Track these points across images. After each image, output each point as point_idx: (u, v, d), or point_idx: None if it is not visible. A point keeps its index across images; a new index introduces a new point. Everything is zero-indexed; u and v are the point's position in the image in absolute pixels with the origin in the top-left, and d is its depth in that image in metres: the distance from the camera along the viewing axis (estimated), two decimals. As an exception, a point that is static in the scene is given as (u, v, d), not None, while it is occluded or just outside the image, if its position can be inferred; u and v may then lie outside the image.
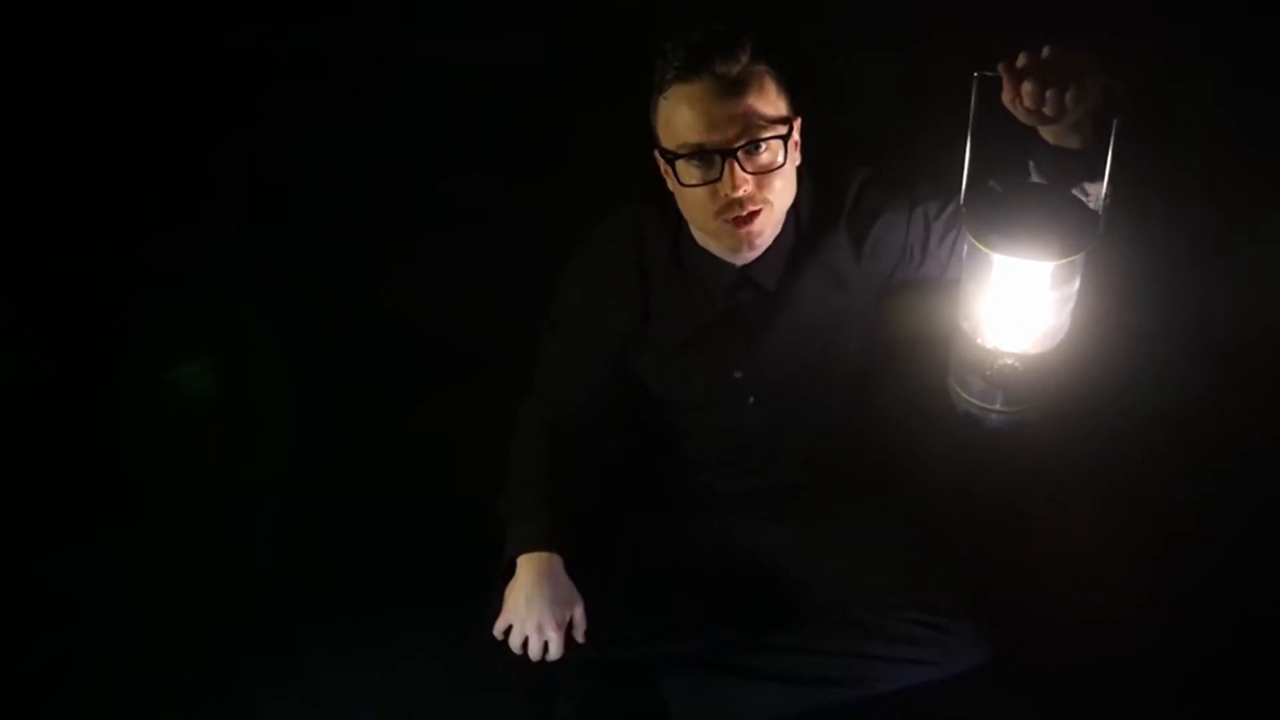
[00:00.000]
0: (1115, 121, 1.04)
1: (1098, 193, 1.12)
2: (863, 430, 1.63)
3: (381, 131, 2.14)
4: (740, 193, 1.34)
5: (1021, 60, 1.04)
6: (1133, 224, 1.15)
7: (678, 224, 1.50)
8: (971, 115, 1.09)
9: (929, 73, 1.76)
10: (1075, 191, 1.16)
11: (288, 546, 1.85)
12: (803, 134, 1.40)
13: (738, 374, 1.55)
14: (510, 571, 1.52)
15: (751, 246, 1.42)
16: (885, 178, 1.50)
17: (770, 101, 1.34)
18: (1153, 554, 1.62)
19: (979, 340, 1.22)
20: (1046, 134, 1.14)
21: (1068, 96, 1.03)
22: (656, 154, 1.42)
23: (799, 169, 1.42)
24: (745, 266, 1.48)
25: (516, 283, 1.68)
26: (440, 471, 1.95)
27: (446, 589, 1.69)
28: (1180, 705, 1.47)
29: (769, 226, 1.41)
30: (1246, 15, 1.63)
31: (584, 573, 1.52)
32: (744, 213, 1.36)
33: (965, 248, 1.17)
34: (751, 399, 1.57)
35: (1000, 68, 1.05)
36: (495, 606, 1.51)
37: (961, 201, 1.15)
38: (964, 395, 1.28)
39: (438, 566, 1.75)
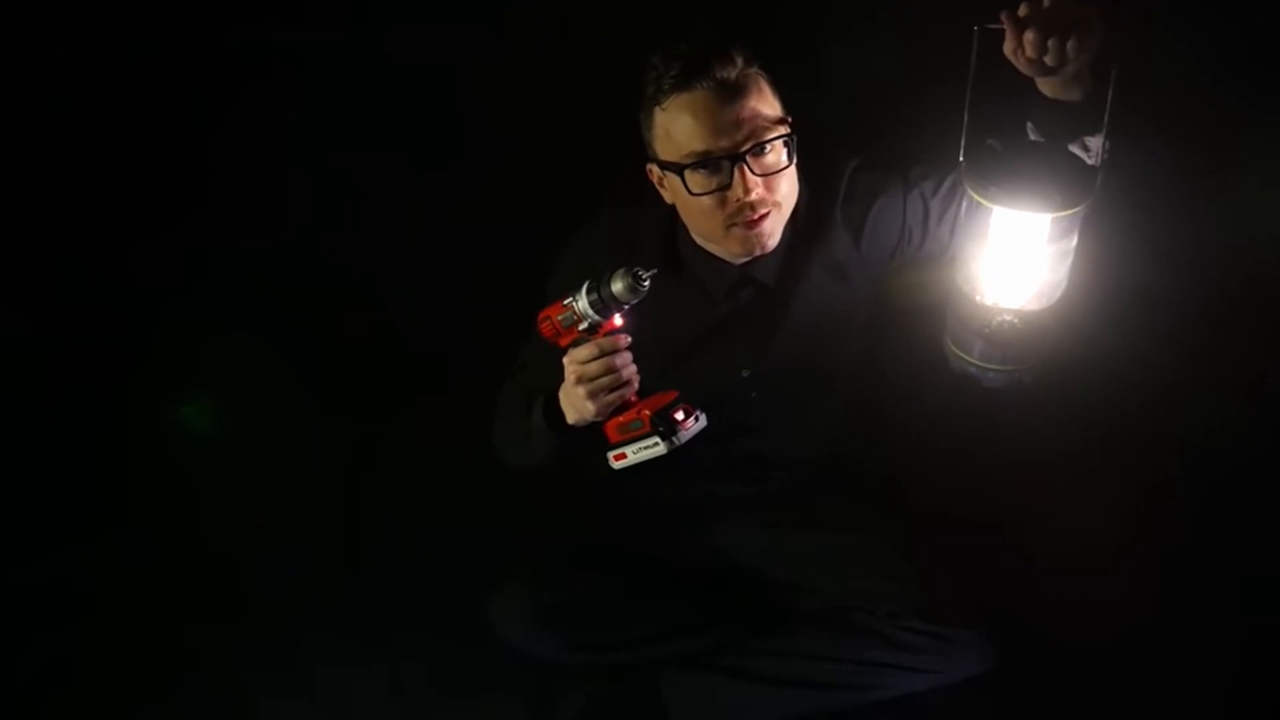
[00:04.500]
0: (1114, 70, 1.06)
1: (1097, 147, 1.14)
2: (861, 422, 1.61)
3: (378, 132, 2.13)
4: (752, 196, 1.34)
5: (1024, 10, 1.06)
6: (1129, 180, 1.16)
7: (672, 225, 1.49)
8: (972, 69, 1.11)
9: (916, 51, 1.76)
10: (1074, 147, 1.17)
11: (286, 546, 1.84)
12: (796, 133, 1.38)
13: (745, 374, 1.53)
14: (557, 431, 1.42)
15: (763, 248, 1.41)
16: (876, 163, 1.50)
17: (769, 103, 1.35)
18: (1157, 560, 1.62)
19: (977, 297, 1.23)
20: (1046, 87, 1.15)
21: (1069, 45, 1.04)
22: (653, 167, 1.41)
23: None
24: (744, 265, 1.47)
25: (514, 285, 1.67)
26: (438, 471, 1.94)
27: (445, 588, 1.68)
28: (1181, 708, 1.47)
29: (778, 227, 1.41)
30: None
31: (585, 576, 1.53)
32: (755, 216, 1.36)
33: (965, 203, 1.18)
34: (754, 394, 1.54)
35: (1003, 17, 1.06)
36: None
37: (961, 156, 1.16)
38: (961, 355, 1.29)
39: (436, 566, 1.74)
